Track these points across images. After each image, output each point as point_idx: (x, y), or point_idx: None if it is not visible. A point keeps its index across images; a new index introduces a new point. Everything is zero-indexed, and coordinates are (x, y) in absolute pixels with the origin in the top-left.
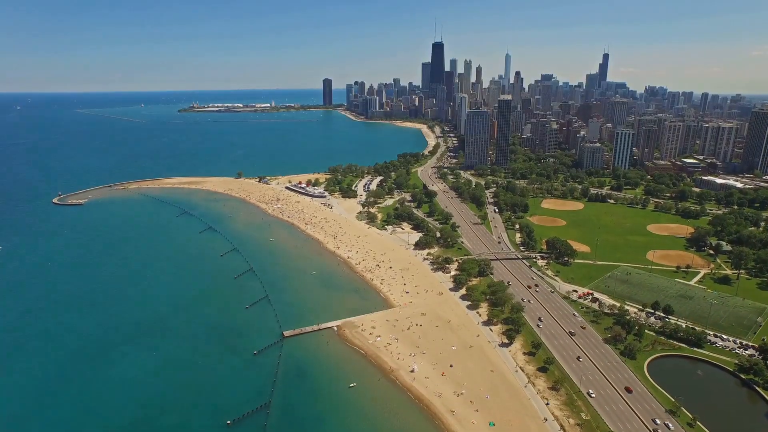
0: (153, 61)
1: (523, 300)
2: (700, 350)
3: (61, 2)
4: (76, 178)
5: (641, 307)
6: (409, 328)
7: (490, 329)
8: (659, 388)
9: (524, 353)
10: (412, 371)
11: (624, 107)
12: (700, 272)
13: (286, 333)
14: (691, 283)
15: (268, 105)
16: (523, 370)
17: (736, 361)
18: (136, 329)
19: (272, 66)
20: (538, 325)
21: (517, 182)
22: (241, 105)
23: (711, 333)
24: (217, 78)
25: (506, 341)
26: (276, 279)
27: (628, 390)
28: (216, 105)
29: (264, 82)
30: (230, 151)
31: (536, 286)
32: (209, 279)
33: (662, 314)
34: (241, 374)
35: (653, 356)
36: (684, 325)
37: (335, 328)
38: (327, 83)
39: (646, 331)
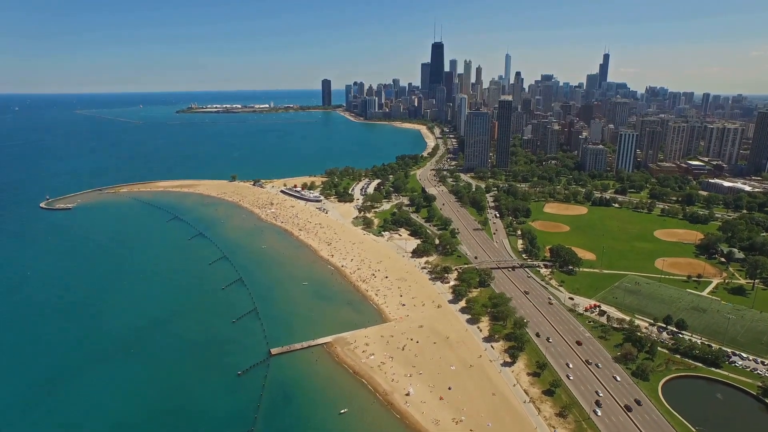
0: (153, 62)
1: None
2: (718, 370)
3: (61, 3)
4: (67, 181)
5: (652, 321)
6: (405, 347)
7: (492, 346)
8: (677, 415)
9: (528, 374)
10: (407, 394)
11: (625, 108)
12: (712, 282)
13: (274, 351)
14: (704, 294)
15: (267, 106)
16: (527, 393)
17: (759, 383)
18: (111, 346)
19: (272, 67)
20: (545, 339)
21: (518, 185)
22: (239, 106)
23: (729, 350)
24: (217, 79)
25: (509, 360)
26: (266, 290)
27: None
28: (214, 106)
29: (264, 83)
30: (226, 153)
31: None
32: (195, 290)
33: (675, 329)
34: (222, 398)
35: (668, 377)
36: (699, 341)
37: (326, 345)
38: (326, 84)
39: (659, 348)
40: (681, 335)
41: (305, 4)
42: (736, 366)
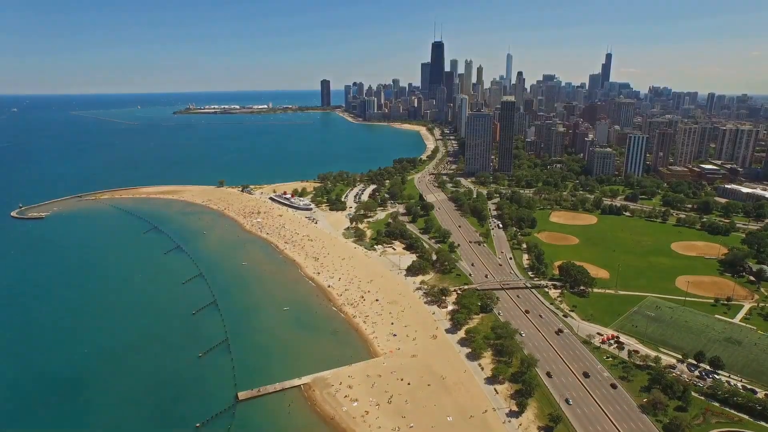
0: (152, 62)
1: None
2: None
3: (61, 4)
4: (45, 187)
5: (681, 357)
6: (393, 392)
7: (495, 389)
8: None
9: (540, 428)
10: None
11: (630, 108)
12: (743, 306)
13: (242, 395)
14: (736, 321)
15: (265, 106)
16: None
17: None
18: (48, 388)
19: (271, 67)
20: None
21: (521, 191)
22: (237, 106)
23: None
24: (217, 79)
25: (515, 409)
26: (241, 316)
27: None
28: (212, 106)
29: (263, 84)
30: (218, 156)
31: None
32: (162, 315)
33: (709, 368)
34: None
35: None
36: (740, 384)
37: (302, 387)
38: (325, 84)
39: (693, 393)
40: (716, 376)
41: (305, 4)
42: None
